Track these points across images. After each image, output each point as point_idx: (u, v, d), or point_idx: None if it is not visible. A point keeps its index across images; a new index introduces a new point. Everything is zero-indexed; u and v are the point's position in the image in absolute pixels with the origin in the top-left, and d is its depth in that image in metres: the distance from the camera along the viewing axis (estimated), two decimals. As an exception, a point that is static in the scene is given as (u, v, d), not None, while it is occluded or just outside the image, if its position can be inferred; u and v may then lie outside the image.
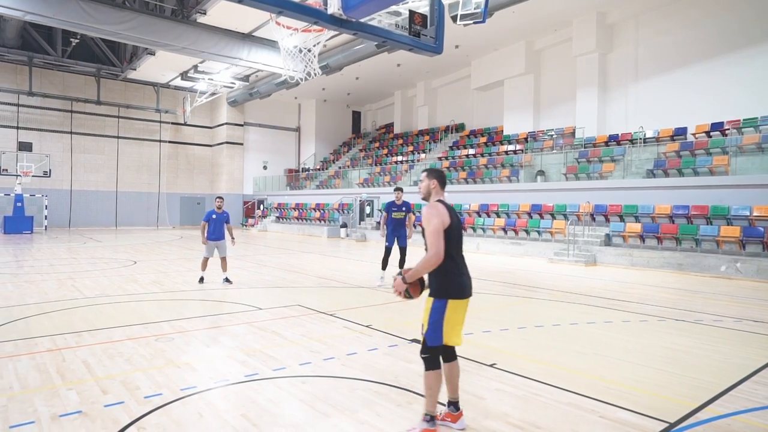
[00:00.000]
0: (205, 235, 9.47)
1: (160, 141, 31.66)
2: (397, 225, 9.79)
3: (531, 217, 17.03)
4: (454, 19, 10.66)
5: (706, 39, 17.03)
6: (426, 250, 3.32)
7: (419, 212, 20.85)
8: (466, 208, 19.57)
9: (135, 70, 26.82)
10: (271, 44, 20.70)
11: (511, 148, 21.70)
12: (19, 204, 23.90)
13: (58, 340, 5.45)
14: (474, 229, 18.56)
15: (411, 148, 28.28)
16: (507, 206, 17.95)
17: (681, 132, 16.63)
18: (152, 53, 23.66)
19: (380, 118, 35.99)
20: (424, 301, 3.37)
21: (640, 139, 17.25)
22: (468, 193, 20.14)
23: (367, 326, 6.30)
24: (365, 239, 22.71)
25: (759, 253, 11.68)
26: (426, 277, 3.33)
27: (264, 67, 21.32)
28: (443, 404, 3.72)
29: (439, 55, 8.28)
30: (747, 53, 16.07)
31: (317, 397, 3.93)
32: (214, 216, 9.49)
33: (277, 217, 30.70)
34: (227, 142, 32.35)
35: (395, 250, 9.82)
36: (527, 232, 16.62)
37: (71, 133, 28.53)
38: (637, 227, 13.92)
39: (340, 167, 31.75)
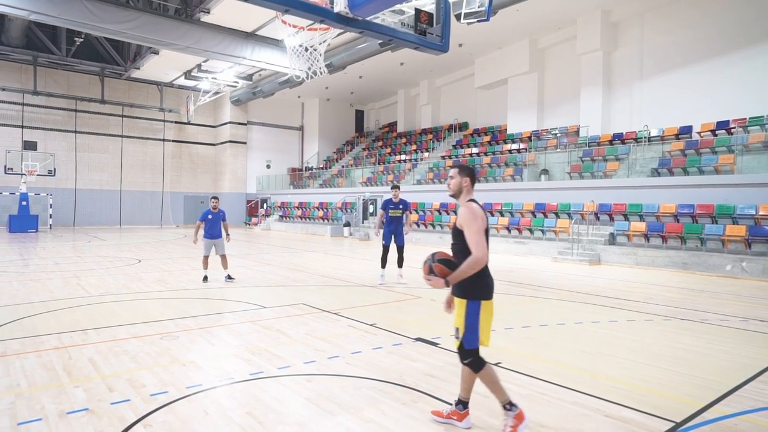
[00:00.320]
0: (199, 233, 9.68)
1: (163, 140, 31.74)
2: (394, 223, 9.72)
3: (535, 216, 17.00)
4: (458, 17, 10.64)
5: (711, 37, 16.94)
6: (453, 248, 3.30)
7: (426, 211, 20.78)
8: (470, 206, 19.50)
9: (139, 69, 26.89)
10: (274, 43, 20.72)
11: (514, 146, 21.66)
12: (24, 203, 24.02)
13: (64, 338, 5.48)
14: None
15: (414, 147, 28.26)
16: (511, 205, 17.92)
17: (686, 131, 16.56)
18: (156, 52, 23.72)
19: (383, 116, 35.98)
20: (452, 305, 3.32)
21: (645, 137, 17.19)
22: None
23: (371, 325, 6.30)
24: (368, 238, 22.71)
25: (765, 252, 11.62)
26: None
27: (267, 66, 21.35)
28: (449, 403, 3.72)
29: (445, 53, 8.26)
30: (752, 51, 15.98)
31: (322, 395, 3.93)
32: (209, 216, 9.61)
33: (281, 216, 30.73)
34: (230, 141, 32.41)
35: (393, 248, 9.85)
36: (531, 231, 16.58)
37: (75, 132, 28.64)
38: (641, 226, 13.88)
39: (343, 166, 31.76)
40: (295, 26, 9.79)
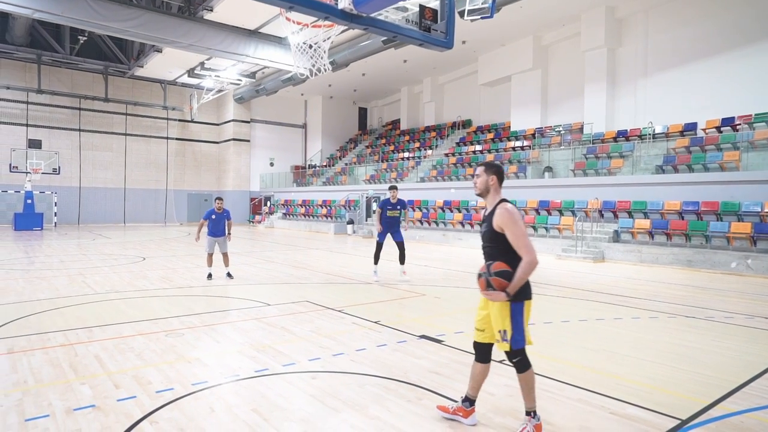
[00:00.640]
0: (202, 231, 9.79)
1: (167, 138, 31.81)
2: (391, 222, 9.84)
3: (539, 214, 16.96)
4: (461, 14, 10.61)
5: (717, 33, 16.84)
6: (486, 252, 3.26)
7: (429, 209, 20.72)
8: (474, 204, 19.51)
9: (142, 67, 26.93)
10: (277, 41, 20.71)
11: (518, 144, 21.62)
12: (29, 201, 24.13)
13: (70, 335, 5.51)
14: (481, 226, 18.48)
15: (417, 144, 28.23)
16: (514, 202, 17.65)
17: (691, 127, 16.48)
18: (159, 50, 23.75)
19: (386, 114, 35.95)
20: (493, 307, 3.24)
21: (649, 134, 17.11)
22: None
23: (375, 322, 6.31)
24: (372, 235, 22.71)
25: (770, 249, 11.57)
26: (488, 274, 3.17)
27: (271, 63, 21.34)
28: (454, 400, 3.72)
29: (450, 49, 8.24)
30: (758, 48, 15.87)
31: (327, 392, 3.94)
32: (213, 216, 9.71)
33: (284, 214, 30.78)
34: (234, 139, 32.45)
35: (393, 245, 9.99)
36: (535, 228, 16.55)
37: (80, 130, 28.73)
38: (646, 223, 13.83)
39: (346, 164, 31.75)
40: (299, 23, 9.78)
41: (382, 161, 28.51)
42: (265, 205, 33.51)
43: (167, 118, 31.64)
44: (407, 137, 30.18)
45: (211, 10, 18.57)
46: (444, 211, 20.59)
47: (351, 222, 24.69)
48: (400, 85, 31.01)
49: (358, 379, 4.24)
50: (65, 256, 13.24)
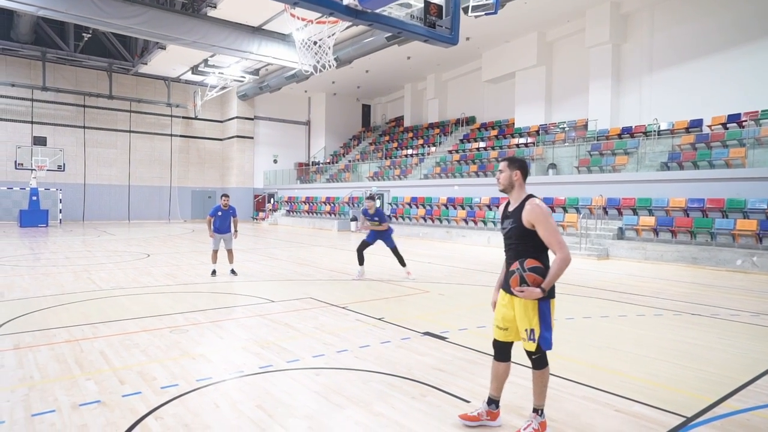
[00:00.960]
0: (211, 228, 9.77)
1: (171, 135, 31.87)
2: (375, 234, 9.70)
3: (542, 211, 16.89)
4: (465, 10, 10.56)
5: (722, 29, 16.71)
6: (511, 249, 3.20)
7: (433, 206, 20.69)
8: (477, 201, 19.48)
9: (146, 64, 26.96)
10: (281, 38, 20.70)
11: (522, 141, 21.55)
12: (34, 198, 24.24)
13: (75, 331, 5.53)
14: (485, 223, 18.48)
15: (421, 141, 28.18)
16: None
17: (696, 124, 16.38)
18: (163, 47, 23.76)
19: (390, 111, 35.88)
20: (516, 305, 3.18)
21: (654, 131, 17.03)
22: (479, 187, 20.04)
23: (379, 319, 6.31)
24: (375, 233, 22.70)
25: (776, 246, 11.50)
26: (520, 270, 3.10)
27: (274, 60, 21.34)
28: (458, 397, 3.72)
29: (455, 45, 8.20)
30: (765, 43, 15.75)
31: (331, 388, 3.94)
32: (219, 213, 9.72)
33: (288, 211, 30.81)
34: (237, 136, 32.48)
35: (384, 248, 9.91)
36: (539, 225, 16.48)
37: (84, 127, 28.82)
38: (650, 221, 13.77)
39: (350, 161, 31.74)
40: (303, 19, 9.75)
41: (386, 158, 28.48)
42: (269, 202, 33.55)
43: (171, 116, 31.69)
44: (411, 134, 30.13)
45: (215, 7, 18.56)
46: (447, 208, 20.56)
47: (354, 219, 24.67)
48: (403, 81, 30.95)
49: (362, 376, 4.24)
50: (70, 253, 13.30)
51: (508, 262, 3.25)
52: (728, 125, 15.47)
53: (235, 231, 10.04)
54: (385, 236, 9.71)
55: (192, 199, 32.68)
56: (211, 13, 19.02)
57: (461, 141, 25.48)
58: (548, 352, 3.18)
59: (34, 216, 24.04)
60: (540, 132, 21.39)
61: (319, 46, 9.46)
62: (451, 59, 25.66)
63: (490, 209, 18.74)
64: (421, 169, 24.70)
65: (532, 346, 3.12)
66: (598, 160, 17.16)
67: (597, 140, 18.47)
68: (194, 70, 27.21)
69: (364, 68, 27.03)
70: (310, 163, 34.99)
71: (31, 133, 27.07)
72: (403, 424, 3.34)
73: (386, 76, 29.50)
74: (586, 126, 19.77)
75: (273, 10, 18.80)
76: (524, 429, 3.17)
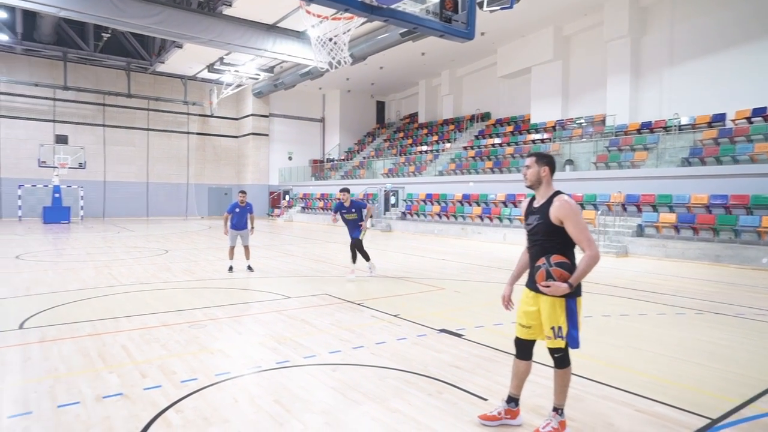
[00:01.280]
0: (228, 225, 9.86)
1: (188, 133, 32.23)
2: (352, 225, 9.43)
3: (559, 207, 16.70)
4: (480, 5, 10.45)
5: (745, 19, 16.28)
6: (537, 246, 3.14)
7: (448, 202, 20.62)
8: (492, 198, 19.35)
9: (163, 63, 27.27)
10: (295, 35, 20.75)
11: (538, 136, 21.32)
12: (56, 195, 24.76)
13: (98, 325, 5.64)
14: (500, 220, 18.35)
15: (435, 137, 28.06)
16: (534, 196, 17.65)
17: (719, 118, 16.02)
18: (180, 46, 24.00)
19: (404, 107, 35.79)
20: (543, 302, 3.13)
21: (675, 126, 16.70)
22: (494, 183, 19.90)
23: (395, 316, 6.31)
24: (390, 229, 22.72)
25: (801, 244, 11.21)
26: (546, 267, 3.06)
27: (289, 58, 21.41)
28: (474, 394, 3.70)
29: (471, 40, 8.13)
30: (791, 35, 15.32)
31: (348, 384, 3.96)
32: (237, 209, 9.81)
33: (303, 208, 30.97)
34: (253, 134, 32.71)
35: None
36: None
37: (104, 125, 29.29)
38: (671, 217, 13.53)
39: (364, 157, 31.76)
40: (318, 16, 9.76)
41: (400, 155, 28.43)
42: (284, 198, 33.75)
43: (188, 113, 32.03)
44: (425, 130, 30.02)
45: (230, 5, 18.68)
46: (462, 204, 20.46)
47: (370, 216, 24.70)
48: (418, 78, 30.82)
49: (378, 372, 4.25)
50: (92, 249, 13.55)
51: (533, 259, 3.20)
52: (753, 119, 15.09)
53: (252, 227, 10.13)
54: (357, 227, 9.35)
55: (208, 196, 33.04)
56: (227, 11, 19.15)
57: (476, 137, 25.31)
58: (571, 350, 3.14)
59: (56, 213, 24.56)
60: (556, 128, 21.13)
61: (335, 43, 9.46)
62: (466, 55, 25.47)
63: (506, 206, 18.60)
64: (435, 165, 24.60)
65: (559, 344, 3.07)
66: (617, 156, 16.90)
67: (615, 136, 18.18)
68: (210, 68, 27.45)
69: (378, 65, 26.98)
70: (325, 160, 35.09)
71: (53, 132, 27.61)
72: (419, 420, 3.34)
73: (400, 72, 29.41)
74: (603, 121, 19.48)
75: (287, 8, 18.85)
76: (543, 428, 3.14)
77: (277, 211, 32.90)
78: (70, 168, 25.53)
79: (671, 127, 16.80)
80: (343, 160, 33.50)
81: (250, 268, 9.93)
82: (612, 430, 3.24)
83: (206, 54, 25.14)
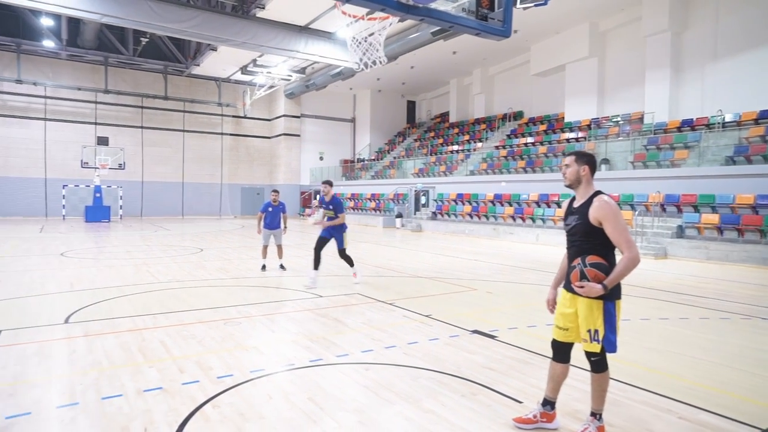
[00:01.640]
0: (261, 224, 10.00)
1: (221, 134, 32.96)
2: (331, 228, 8.40)
3: (594, 208, 16.29)
4: (514, 2, 10.30)
5: (796, 12, 15.50)
6: (575, 246, 3.08)
7: (480, 202, 20.41)
8: (525, 198, 19.04)
9: (199, 66, 28.00)
10: (327, 36, 20.94)
11: (572, 135, 20.87)
12: (98, 195, 25.74)
13: (137, 321, 5.82)
14: (533, 220, 18.04)
15: (467, 137, 27.81)
16: (568, 196, 17.25)
17: (766, 115, 15.29)
18: (214, 49, 24.59)
19: (435, 107, 35.62)
20: (579, 303, 3.06)
21: (718, 123, 16.05)
22: (527, 183, 19.58)
23: (427, 316, 6.28)
24: (421, 229, 22.65)
25: None
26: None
27: (320, 58, 21.62)
28: (509, 396, 3.64)
29: (507, 38, 8.02)
30: None
31: (380, 384, 3.96)
32: (270, 209, 9.94)
33: (333, 207, 31.13)
34: (285, 134, 33.17)
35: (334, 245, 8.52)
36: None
37: (142, 127, 30.27)
38: (714, 218, 13.01)
39: (395, 157, 31.77)
40: (354, 16, 9.79)
41: (431, 154, 28.31)
42: (315, 198, 34.09)
43: (222, 115, 32.76)
44: (456, 130, 29.80)
45: (263, 8, 18.99)
46: (494, 204, 20.21)
47: (400, 215, 24.71)
48: (449, 77, 30.62)
49: (411, 372, 4.23)
50: (130, 247, 14.02)
51: (570, 260, 3.13)
52: (802, 116, 14.36)
53: (285, 227, 10.26)
54: (338, 233, 8.37)
55: (242, 196, 33.69)
56: (260, 14, 19.48)
57: (508, 136, 24.97)
58: (608, 355, 3.06)
59: (97, 212, 25.54)
60: (591, 126, 20.62)
61: (370, 43, 9.48)
62: (498, 53, 25.14)
63: (539, 206, 18.27)
64: (467, 165, 24.38)
65: (595, 347, 2.99)
66: (656, 155, 16.36)
67: (654, 134, 17.61)
68: (243, 70, 28.00)
69: (409, 64, 26.94)
70: (355, 160, 35.27)
71: (95, 134, 28.70)
72: (453, 422, 3.31)
73: (431, 71, 29.28)
74: (641, 119, 18.90)
75: (319, 9, 19.04)
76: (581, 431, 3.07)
77: (308, 210, 33.27)
78: (110, 168, 26.49)
79: (714, 124, 16.15)
80: (374, 160, 33.60)
81: (282, 267, 10.06)
82: (654, 437, 3.14)
83: (240, 56, 25.66)
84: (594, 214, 2.96)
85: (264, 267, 9.98)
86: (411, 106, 37.23)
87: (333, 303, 7.02)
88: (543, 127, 23.45)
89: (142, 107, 30.13)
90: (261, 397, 3.69)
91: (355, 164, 34.29)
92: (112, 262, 10.80)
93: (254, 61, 26.49)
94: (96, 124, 28.88)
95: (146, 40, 26.56)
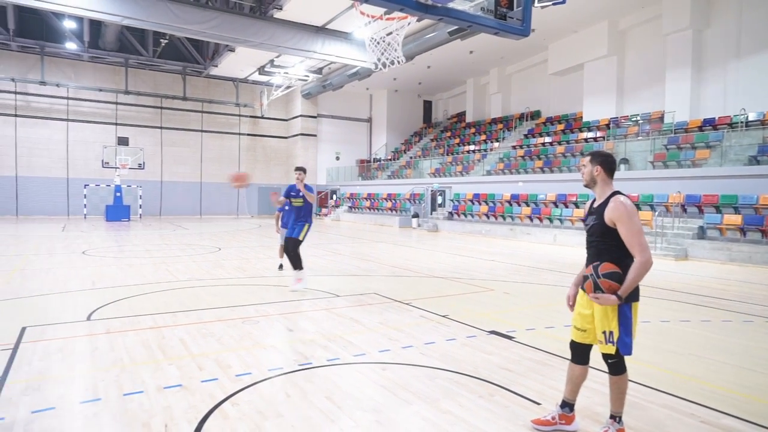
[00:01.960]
0: (279, 224, 10.00)
1: (239, 134, 33.30)
2: (293, 216, 7.79)
3: (613, 208, 16.06)
4: (532, 1, 10.20)
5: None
6: (593, 247, 3.06)
7: (496, 202, 20.15)
8: (543, 198, 18.86)
9: (217, 66, 28.32)
10: (344, 36, 21.01)
11: (590, 135, 20.60)
12: (118, 194, 26.21)
13: (157, 319, 5.92)
14: (551, 220, 17.86)
15: (483, 136, 27.66)
16: (587, 196, 17.06)
17: (791, 114, 14.92)
18: (232, 50, 24.85)
19: (452, 106, 35.49)
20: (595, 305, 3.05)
21: (741, 122, 15.69)
22: (544, 183, 19.39)
23: (444, 316, 6.26)
24: (437, 229, 22.59)
25: None
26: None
27: (337, 59, 21.71)
28: (526, 398, 3.62)
29: (526, 37, 7.97)
30: None
31: (398, 383, 3.96)
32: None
33: (350, 207, 31.30)
34: (301, 134, 33.37)
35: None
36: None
37: (161, 128, 30.74)
38: (736, 219, 12.73)
39: (411, 157, 31.73)
40: (372, 16, 9.81)
41: (447, 154, 28.21)
42: (331, 198, 34.24)
43: (239, 115, 33.10)
44: (473, 130, 29.65)
45: (281, 9, 19.14)
46: (511, 204, 20.06)
47: (416, 215, 24.68)
48: (465, 76, 30.48)
49: (428, 372, 4.23)
50: (150, 246, 14.24)
51: (588, 260, 3.12)
52: (830, 114, 13.97)
53: None
54: (301, 223, 7.64)
55: (258, 196, 33.99)
56: (277, 14, 19.63)
57: (526, 136, 24.75)
58: (626, 357, 3.02)
59: (118, 211, 26.01)
60: (610, 125, 20.33)
61: (388, 43, 9.49)
62: (516, 52, 24.95)
63: (557, 206, 18.08)
64: (483, 165, 24.24)
65: (610, 349, 2.97)
66: (676, 155, 16.06)
67: (674, 133, 17.29)
68: (261, 70, 28.23)
69: (425, 64, 26.88)
70: (372, 160, 35.32)
71: (115, 134, 29.23)
72: (471, 422, 3.30)
73: (448, 71, 29.18)
74: (661, 118, 18.58)
75: (336, 10, 19.11)
76: None
77: (324, 210, 33.42)
78: (130, 168, 26.96)
79: (737, 123, 15.80)
80: (390, 159, 33.60)
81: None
82: (676, 442, 3.09)
83: (257, 57, 25.88)
84: (609, 215, 2.94)
85: (281, 266, 10.04)
86: (427, 106, 37.15)
87: (350, 303, 7.05)
88: (561, 127, 23.19)
89: (161, 108, 30.60)
90: (279, 395, 3.72)
91: (372, 164, 34.33)
92: (132, 261, 10.99)
93: (271, 61, 26.71)
94: (116, 124, 29.41)
95: (165, 41, 26.96)
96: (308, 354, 4.70)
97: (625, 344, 2.94)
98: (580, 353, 3.18)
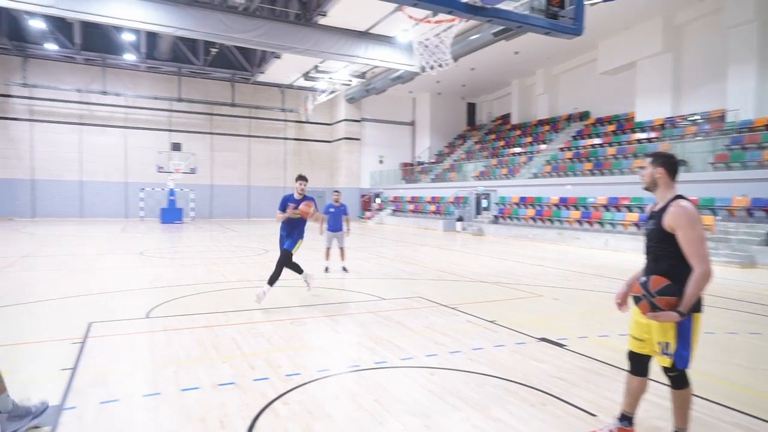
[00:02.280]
0: (324, 226, 10.08)
1: (285, 139, 34.09)
2: (289, 229, 7.19)
3: (669, 212, 15.32)
4: (582, -2, 9.90)
5: None
6: (651, 252, 2.92)
7: (543, 206, 19.79)
8: (593, 201, 18.24)
9: (263, 73, 29.12)
10: (386, 40, 21.11)
11: (644, 136, 19.76)
12: (171, 198, 27.39)
13: (210, 318, 6.11)
14: (602, 225, 17.24)
15: (530, 139, 27.06)
16: (640, 200, 16.36)
17: None
18: (278, 56, 25.49)
19: (496, 108, 34.94)
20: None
21: (813, 120, 14.63)
22: (595, 186, 18.74)
23: (491, 322, 6.15)
24: (482, 233, 22.27)
25: None
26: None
27: (380, 63, 21.83)
28: (580, 408, 3.49)
29: (579, 36, 7.74)
30: None
31: (446, 389, 3.91)
32: (332, 209, 10.08)
33: (393, 210, 31.36)
34: (345, 138, 33.77)
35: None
36: (665, 228, 14.98)
37: (211, 134, 31.92)
38: (808, 224, 11.85)
39: (455, 160, 31.47)
40: (417, 19, 9.81)
41: (492, 157, 27.79)
42: (375, 201, 34.42)
43: (285, 120, 33.90)
44: (518, 132, 29.08)
45: (325, 15, 19.46)
46: (559, 208, 19.51)
47: (460, 219, 24.43)
48: (510, 78, 29.95)
49: (476, 379, 4.16)
50: (202, 247, 14.77)
51: (646, 266, 2.97)
52: None
53: (348, 229, 10.39)
54: (297, 236, 7.16)
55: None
56: (322, 21, 19.98)
57: (574, 138, 24.04)
58: (690, 371, 2.84)
59: (172, 214, 27.20)
60: (666, 126, 19.44)
61: (436, 45, 9.46)
62: (563, 52, 24.29)
63: (608, 210, 17.43)
64: (530, 167, 23.71)
65: (666, 361, 2.81)
66: (740, 155, 15.14)
67: (738, 133, 16.32)
68: (306, 76, 28.80)
69: (469, 66, 26.60)
70: (415, 163, 35.27)
71: (169, 140, 30.57)
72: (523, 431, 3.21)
73: (492, 72, 28.76)
74: (723, 117, 17.58)
75: (379, 15, 19.23)
76: None
77: (368, 213, 33.64)
78: (183, 173, 28.12)
79: (809, 121, 14.74)
80: (434, 163, 33.45)
81: (345, 269, 10.21)
82: (748, 462, 2.89)
83: (302, 63, 26.42)
84: (668, 221, 2.78)
85: (327, 269, 10.16)
86: (471, 108, 36.75)
87: (395, 306, 7.04)
88: (611, 128, 22.38)
89: (211, 114, 31.78)
90: (328, 396, 3.75)
91: (415, 167, 34.28)
92: (185, 262, 11.43)
93: (316, 67, 27.19)
94: (170, 131, 30.77)
95: (216, 50, 28.01)
96: (355, 356, 4.72)
97: (681, 357, 2.76)
98: (638, 364, 3.04)
